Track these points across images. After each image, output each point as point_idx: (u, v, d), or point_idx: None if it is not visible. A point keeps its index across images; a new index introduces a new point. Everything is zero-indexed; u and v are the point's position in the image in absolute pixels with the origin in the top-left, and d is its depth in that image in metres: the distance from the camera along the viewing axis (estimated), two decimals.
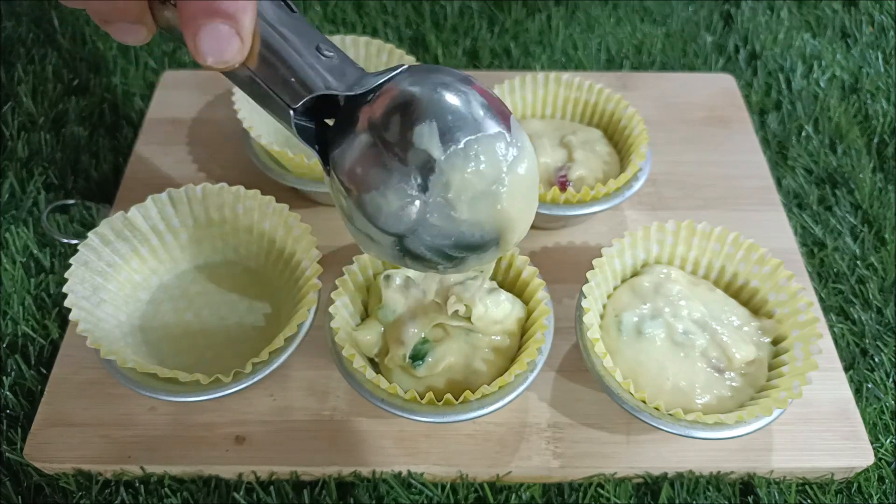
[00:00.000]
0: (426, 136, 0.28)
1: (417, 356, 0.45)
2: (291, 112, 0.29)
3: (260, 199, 0.50)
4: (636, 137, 0.56)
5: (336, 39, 0.60)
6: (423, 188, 0.29)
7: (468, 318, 0.45)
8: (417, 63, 0.29)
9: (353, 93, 0.29)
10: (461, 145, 0.29)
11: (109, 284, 0.48)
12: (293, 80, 0.29)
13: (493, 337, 0.46)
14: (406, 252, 0.32)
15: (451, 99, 0.29)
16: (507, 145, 0.30)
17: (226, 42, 0.25)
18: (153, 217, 0.49)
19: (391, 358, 0.45)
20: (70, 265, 0.46)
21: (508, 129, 0.30)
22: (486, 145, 0.29)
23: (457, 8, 0.78)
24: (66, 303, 0.44)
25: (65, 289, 0.44)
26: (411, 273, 0.47)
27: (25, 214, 0.58)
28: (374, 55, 0.60)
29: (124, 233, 0.49)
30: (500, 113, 0.30)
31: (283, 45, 0.29)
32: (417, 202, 0.29)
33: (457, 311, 0.44)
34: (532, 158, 0.32)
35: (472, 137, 0.29)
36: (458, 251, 0.32)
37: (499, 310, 0.45)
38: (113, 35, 0.29)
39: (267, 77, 0.29)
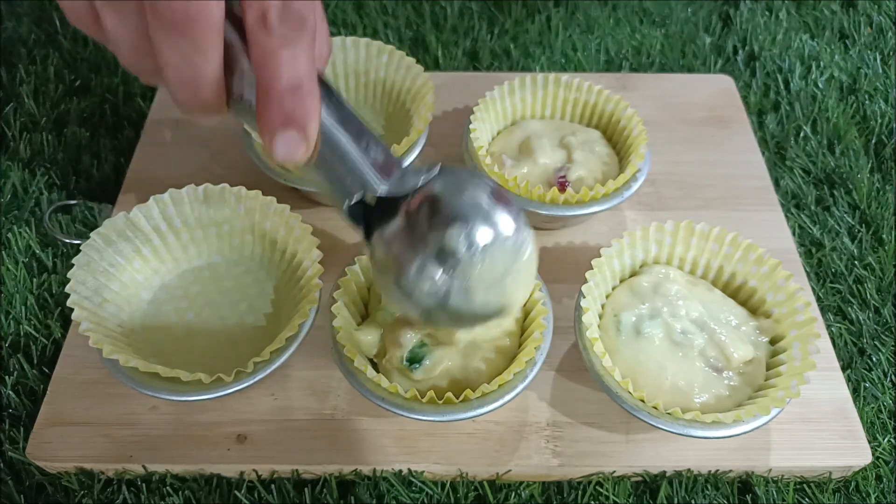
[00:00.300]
0: (454, 237, 0.34)
1: (415, 359, 0.45)
2: (346, 203, 0.34)
3: (261, 200, 0.50)
4: (635, 138, 0.56)
5: (336, 41, 0.60)
6: (449, 278, 0.35)
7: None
8: (446, 166, 0.36)
9: (399, 195, 0.35)
10: (480, 247, 0.34)
11: (112, 284, 0.48)
12: (349, 177, 0.34)
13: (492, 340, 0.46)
14: (429, 320, 0.38)
15: (477, 204, 0.35)
16: (515, 242, 0.36)
17: (294, 147, 0.31)
18: (155, 217, 0.50)
19: (389, 359, 0.46)
20: (72, 265, 0.46)
21: (517, 226, 0.35)
22: (499, 246, 0.35)
23: (457, 9, 0.78)
24: (69, 303, 0.44)
25: (67, 289, 0.45)
26: None
27: (28, 215, 0.58)
28: (374, 56, 0.61)
29: (126, 233, 0.49)
30: (512, 213, 0.36)
31: (341, 144, 0.33)
32: (442, 288, 0.35)
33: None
34: (531, 245, 0.37)
35: (489, 242, 0.34)
36: (469, 322, 0.39)
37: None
38: (190, 118, 0.33)
39: (328, 173, 0.34)
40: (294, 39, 0.29)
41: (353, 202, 0.34)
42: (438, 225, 0.34)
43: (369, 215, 0.36)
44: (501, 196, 0.36)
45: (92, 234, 0.47)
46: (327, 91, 0.33)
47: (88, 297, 0.46)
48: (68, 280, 0.45)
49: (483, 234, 0.34)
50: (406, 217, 0.35)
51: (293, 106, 0.30)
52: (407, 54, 0.60)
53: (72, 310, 0.44)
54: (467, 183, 0.36)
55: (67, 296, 0.44)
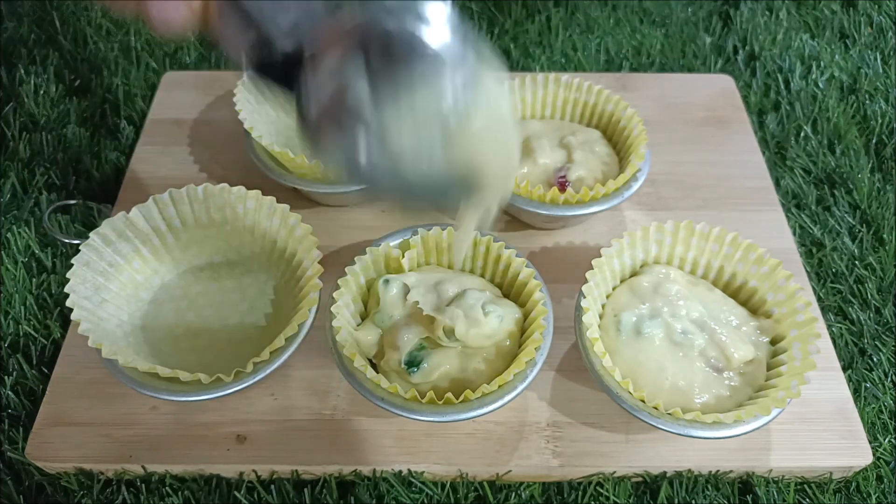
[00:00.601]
0: (353, 73, 0.28)
1: (413, 363, 0.45)
2: (247, 58, 0.30)
3: (261, 200, 0.50)
4: (635, 138, 0.56)
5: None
6: (373, 127, 0.28)
7: (453, 334, 0.45)
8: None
9: (308, 31, 0.29)
10: (397, 82, 0.28)
11: (111, 284, 0.48)
12: (252, 27, 0.30)
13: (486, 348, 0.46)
14: (370, 192, 0.32)
15: (398, 36, 0.28)
16: (465, 75, 0.27)
17: (173, 9, 0.28)
18: (155, 217, 0.50)
19: (387, 361, 0.46)
20: (72, 265, 0.46)
21: (463, 57, 0.28)
22: (425, 78, 0.27)
23: (457, 9, 0.78)
24: (68, 302, 0.44)
25: (67, 288, 0.45)
26: (410, 280, 0.47)
27: (27, 215, 0.58)
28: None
29: (126, 233, 0.49)
30: (462, 37, 0.29)
31: None
32: (370, 140, 0.29)
33: (444, 331, 0.45)
34: (492, 84, 0.29)
35: (417, 76, 0.27)
36: (423, 194, 0.32)
37: (484, 328, 0.45)
38: (152, 16, 0.29)
39: (227, 23, 0.30)
40: None
41: (255, 53, 0.30)
42: (339, 62, 0.28)
43: (287, 74, 0.31)
44: (442, 14, 0.29)
45: (91, 234, 0.47)
46: None
47: (88, 297, 0.46)
48: (68, 280, 0.45)
49: (403, 70, 0.27)
50: (319, 64, 0.29)
51: None
52: None
53: (71, 310, 0.44)
54: (389, 10, 0.28)
55: (67, 296, 0.44)
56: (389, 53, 0.27)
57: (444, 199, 0.33)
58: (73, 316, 0.44)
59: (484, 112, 0.29)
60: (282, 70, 0.30)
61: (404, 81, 0.27)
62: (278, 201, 0.50)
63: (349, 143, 0.29)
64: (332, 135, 0.29)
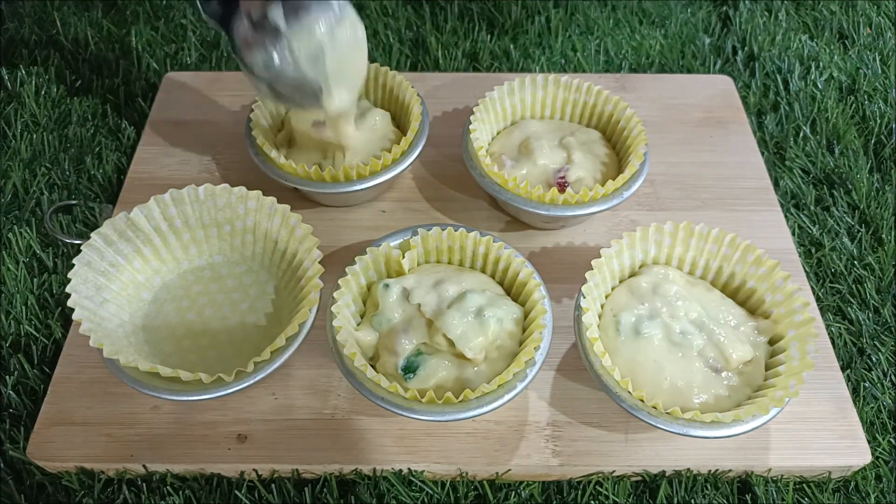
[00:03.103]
0: (274, 13, 0.44)
1: (409, 368, 0.45)
2: (199, 3, 0.46)
3: (262, 200, 0.51)
4: (634, 139, 0.57)
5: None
6: (275, 48, 0.45)
7: (452, 345, 0.45)
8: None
9: None
10: (299, 21, 0.45)
11: (112, 284, 0.48)
12: None
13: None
14: (276, 94, 0.48)
15: None
16: (336, 18, 0.46)
17: None
18: (156, 217, 0.50)
19: (382, 365, 0.46)
20: (73, 265, 0.46)
21: (338, 8, 0.46)
22: (317, 19, 0.45)
23: (457, 10, 0.78)
24: (70, 302, 0.44)
25: (68, 288, 0.45)
26: (409, 283, 0.47)
27: (28, 215, 0.58)
28: (371, 78, 0.61)
29: (127, 233, 0.49)
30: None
31: None
32: (273, 58, 0.46)
33: (443, 338, 0.45)
34: (353, 26, 0.47)
35: (308, 14, 0.45)
36: (308, 98, 0.48)
37: (481, 338, 0.45)
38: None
39: None
40: None
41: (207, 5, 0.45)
42: (263, 5, 0.44)
43: (228, 17, 0.46)
44: None
45: (93, 235, 0.47)
46: None
47: (89, 297, 0.46)
48: (69, 280, 0.45)
49: (302, 8, 0.44)
50: (245, 7, 0.45)
51: None
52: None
53: (72, 309, 0.44)
54: None
55: (68, 296, 0.44)
56: (301, 6, 0.45)
57: (318, 93, 0.48)
58: (74, 316, 0.44)
59: (350, 33, 0.47)
60: (221, 15, 0.47)
61: (304, 11, 0.45)
62: (279, 201, 0.50)
63: (268, 54, 0.45)
64: (257, 49, 0.46)
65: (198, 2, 0.46)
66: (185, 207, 0.51)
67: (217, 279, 0.52)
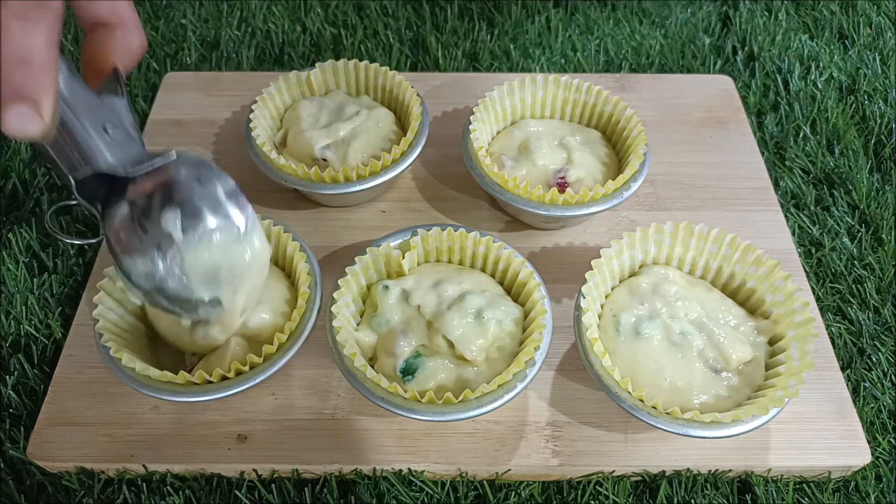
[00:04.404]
0: (170, 221, 0.37)
1: (408, 371, 0.45)
2: (73, 181, 0.36)
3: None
4: (634, 139, 0.57)
5: (327, 64, 0.60)
6: (163, 260, 0.37)
7: (452, 346, 0.45)
8: (183, 153, 0.38)
9: (126, 175, 0.36)
10: (197, 234, 0.37)
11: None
12: (78, 155, 0.35)
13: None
14: (153, 303, 0.40)
15: (200, 194, 0.37)
16: (239, 237, 0.39)
17: (25, 121, 0.30)
18: None
19: (381, 366, 0.46)
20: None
21: (245, 224, 0.39)
22: (219, 237, 0.38)
23: (457, 10, 0.78)
24: (95, 313, 0.45)
25: (95, 299, 0.45)
26: (408, 284, 0.47)
27: (28, 215, 0.58)
28: (371, 78, 0.61)
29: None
30: (241, 209, 0.39)
31: (74, 124, 0.34)
32: (159, 270, 0.38)
33: (443, 340, 0.45)
34: (260, 240, 0.40)
35: (211, 229, 0.38)
36: (188, 310, 0.40)
37: (481, 340, 0.45)
38: (6, 125, 0.32)
39: (57, 150, 0.35)
40: (30, 15, 0.29)
41: (79, 178, 0.35)
42: (157, 207, 0.37)
43: (107, 197, 0.38)
44: (233, 194, 0.38)
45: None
46: (71, 73, 0.34)
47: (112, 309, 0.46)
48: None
49: (201, 221, 0.37)
50: (131, 198, 0.37)
51: (22, 80, 0.29)
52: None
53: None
54: (199, 172, 0.38)
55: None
56: (201, 219, 0.38)
57: (210, 308, 0.41)
58: (97, 327, 0.44)
59: (256, 248, 0.40)
60: (96, 190, 0.38)
61: (203, 224, 0.38)
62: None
63: (153, 265, 0.38)
64: (139, 256, 0.38)
65: (71, 179, 0.36)
66: None
67: None
